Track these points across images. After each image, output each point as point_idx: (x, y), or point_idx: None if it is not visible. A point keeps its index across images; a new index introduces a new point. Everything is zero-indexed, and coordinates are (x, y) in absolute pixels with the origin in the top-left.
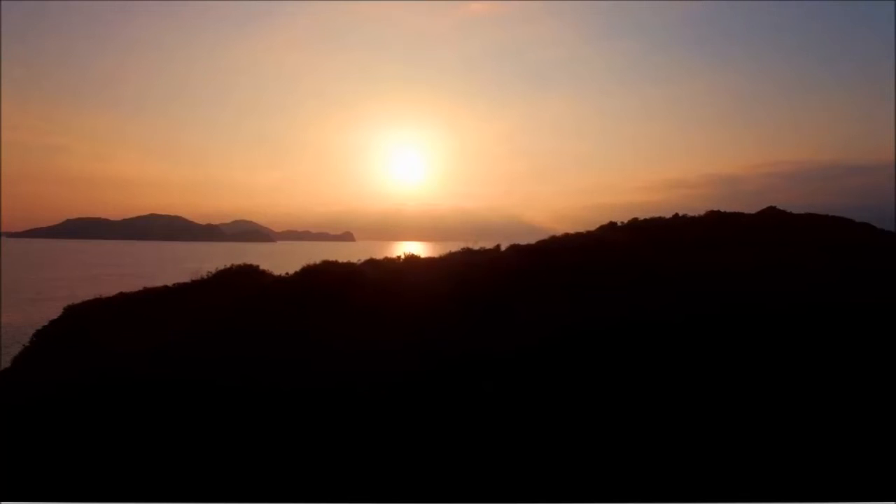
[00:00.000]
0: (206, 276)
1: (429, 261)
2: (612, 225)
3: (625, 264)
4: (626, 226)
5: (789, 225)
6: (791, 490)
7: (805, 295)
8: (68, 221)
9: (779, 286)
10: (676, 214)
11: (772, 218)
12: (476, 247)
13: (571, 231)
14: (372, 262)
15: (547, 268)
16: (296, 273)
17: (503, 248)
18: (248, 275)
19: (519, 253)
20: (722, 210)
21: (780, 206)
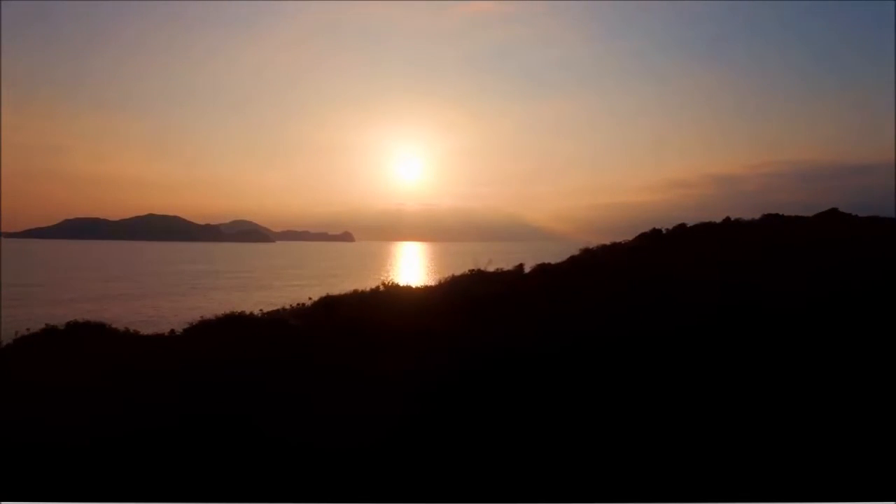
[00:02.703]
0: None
1: (418, 298)
2: (655, 233)
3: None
4: (671, 233)
5: (854, 228)
6: (791, 490)
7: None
8: (66, 222)
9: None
10: (728, 218)
11: (834, 222)
12: (491, 268)
13: (607, 242)
14: (327, 304)
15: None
16: (185, 331)
17: (527, 269)
18: (97, 335)
19: (550, 277)
20: (780, 213)
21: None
